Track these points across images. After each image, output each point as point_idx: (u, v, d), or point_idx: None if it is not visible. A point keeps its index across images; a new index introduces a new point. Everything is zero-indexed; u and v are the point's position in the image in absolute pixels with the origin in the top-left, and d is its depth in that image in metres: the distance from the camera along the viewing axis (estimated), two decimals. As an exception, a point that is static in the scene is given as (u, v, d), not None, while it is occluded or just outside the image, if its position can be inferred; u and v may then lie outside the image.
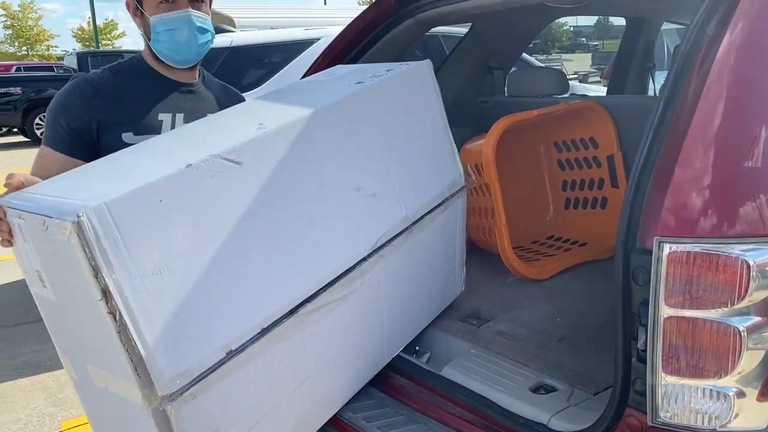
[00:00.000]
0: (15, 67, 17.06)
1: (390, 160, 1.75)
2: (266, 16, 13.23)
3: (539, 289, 2.44)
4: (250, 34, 5.88)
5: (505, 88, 3.37)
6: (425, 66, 1.94)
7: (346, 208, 1.60)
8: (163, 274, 1.21)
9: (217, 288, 1.30)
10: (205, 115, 1.79)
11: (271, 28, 7.88)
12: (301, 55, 5.19)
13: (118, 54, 14.87)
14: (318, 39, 5.29)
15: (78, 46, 41.96)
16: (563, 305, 2.27)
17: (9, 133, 13.93)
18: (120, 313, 1.15)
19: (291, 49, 5.28)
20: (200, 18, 1.76)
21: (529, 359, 1.87)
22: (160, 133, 1.70)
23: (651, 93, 4.07)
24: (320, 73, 2.11)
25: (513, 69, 3.59)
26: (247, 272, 1.36)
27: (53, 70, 15.48)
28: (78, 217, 1.10)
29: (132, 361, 1.18)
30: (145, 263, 1.19)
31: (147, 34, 1.78)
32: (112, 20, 47.51)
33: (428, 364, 1.94)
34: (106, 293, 1.14)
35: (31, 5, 46.90)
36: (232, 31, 6.13)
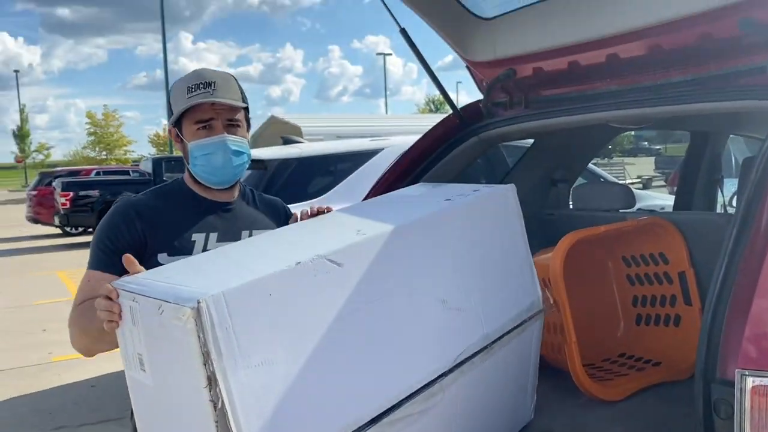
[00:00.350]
0: (95, 170, 18.20)
1: (473, 277, 1.78)
2: (331, 125, 13.96)
3: (613, 410, 2.33)
4: (317, 145, 6.17)
5: (570, 201, 3.38)
6: (510, 190, 2.00)
7: (431, 319, 1.62)
8: (265, 367, 1.25)
9: (309, 387, 1.32)
10: (239, 233, 1.86)
11: (337, 137, 8.24)
12: (366, 164, 5.38)
13: (191, 159, 15.74)
14: (382, 149, 5.50)
15: (153, 151, 44.66)
16: (638, 430, 2.16)
17: (84, 233, 14.71)
18: (222, 402, 1.18)
19: (356, 159, 5.49)
20: (236, 142, 1.82)
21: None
22: (191, 253, 1.74)
23: (720, 203, 4.01)
24: (404, 189, 2.21)
25: (578, 181, 3.62)
26: (337, 375, 1.38)
27: (129, 174, 16.46)
28: (198, 303, 1.16)
29: None
30: (251, 354, 1.22)
31: (186, 159, 1.86)
32: (186, 127, 50.53)
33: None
34: (211, 380, 1.17)
35: (114, 113, 50.63)
36: (301, 142, 6.44)
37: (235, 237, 1.83)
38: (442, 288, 1.67)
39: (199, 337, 1.16)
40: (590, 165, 6.85)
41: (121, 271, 1.59)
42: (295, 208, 5.23)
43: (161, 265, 1.61)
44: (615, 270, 2.91)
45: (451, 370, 1.64)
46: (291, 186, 5.24)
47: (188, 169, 1.88)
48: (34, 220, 15.25)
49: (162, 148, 44.04)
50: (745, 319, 1.23)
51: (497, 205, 1.96)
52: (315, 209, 1.89)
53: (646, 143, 39.02)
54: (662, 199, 6.81)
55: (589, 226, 2.49)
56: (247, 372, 1.21)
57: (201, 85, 1.76)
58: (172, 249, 1.75)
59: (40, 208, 13.49)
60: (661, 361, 2.64)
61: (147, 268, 1.52)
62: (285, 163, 5.39)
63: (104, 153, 51.04)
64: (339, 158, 5.64)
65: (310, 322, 1.34)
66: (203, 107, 1.77)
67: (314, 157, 5.55)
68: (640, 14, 2.04)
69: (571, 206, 3.38)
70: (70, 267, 10.50)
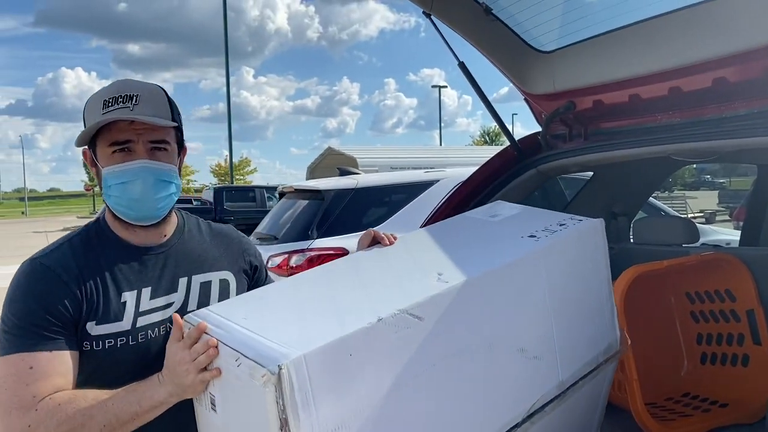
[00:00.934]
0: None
1: (555, 322, 1.67)
2: (386, 157, 14.10)
3: (676, 453, 2.25)
4: (374, 176, 6.25)
5: (631, 235, 3.32)
6: (598, 224, 1.86)
7: (508, 369, 1.54)
8: (342, 431, 1.19)
9: None
10: (176, 281, 1.50)
11: (391, 168, 8.32)
12: (422, 195, 5.41)
13: (250, 189, 16.12)
14: (437, 181, 5.52)
15: (215, 181, 45.92)
16: (705, 474, 2.08)
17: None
18: None
19: (412, 190, 5.52)
20: (160, 169, 1.44)
21: None
22: (122, 319, 1.40)
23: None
24: (481, 209, 2.08)
25: (639, 215, 3.55)
26: (420, 427, 1.33)
27: (191, 203, 16.96)
28: (279, 369, 1.10)
29: None
30: (328, 419, 1.17)
31: (100, 188, 1.47)
32: (246, 158, 52.02)
33: None
34: None
35: (178, 145, 52.44)
36: (357, 173, 6.53)
37: (172, 288, 1.49)
38: (521, 337, 1.57)
39: (277, 402, 1.11)
40: (650, 198, 6.69)
41: (77, 346, 1.35)
42: (351, 238, 5.26)
43: (94, 337, 1.36)
44: (678, 306, 2.83)
45: (523, 421, 1.56)
46: (347, 216, 5.31)
47: (105, 203, 1.49)
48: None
49: (223, 178, 45.25)
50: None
51: (585, 242, 1.82)
52: (390, 237, 1.70)
53: (708, 176, 37.79)
54: (727, 234, 6.57)
55: (651, 260, 2.44)
56: None
57: (120, 99, 1.40)
58: (99, 317, 1.38)
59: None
60: (728, 403, 2.53)
61: (78, 342, 1.34)
62: (341, 193, 5.47)
63: (167, 182, 52.81)
64: (395, 189, 5.69)
65: (386, 380, 1.27)
66: (119, 125, 1.40)
67: (370, 188, 5.61)
68: (704, 47, 2.02)
69: (631, 240, 3.32)
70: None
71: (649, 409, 2.36)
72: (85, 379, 1.36)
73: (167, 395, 1.28)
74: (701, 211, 20.32)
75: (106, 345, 1.37)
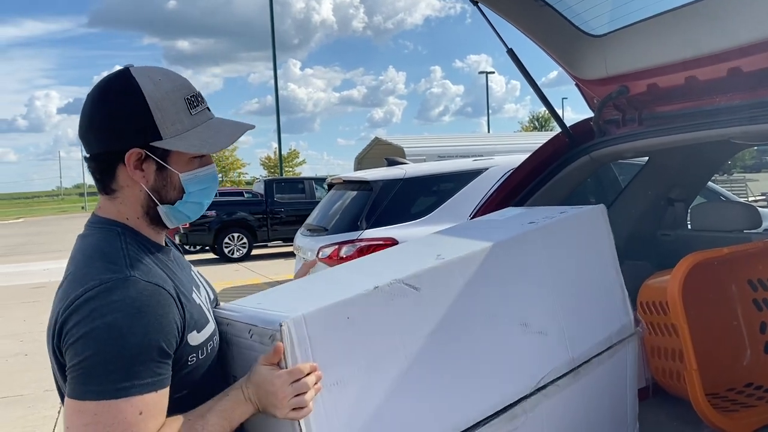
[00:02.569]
0: (212, 192, 19.24)
1: (559, 300, 1.76)
2: (433, 145, 14.03)
3: (739, 445, 2.19)
4: (422, 166, 6.22)
5: (688, 221, 3.22)
6: (599, 211, 1.96)
7: (511, 341, 1.62)
8: (340, 386, 1.30)
9: (383, 408, 1.36)
10: (195, 274, 1.42)
11: (439, 157, 8.27)
12: (471, 183, 5.36)
13: (299, 180, 16.29)
14: (486, 169, 5.46)
15: (264, 173, 46.63)
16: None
17: (202, 251, 15.54)
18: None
19: (461, 179, 5.48)
20: None
21: None
22: (209, 320, 1.30)
23: None
24: (492, 213, 2.21)
25: (696, 200, 3.45)
26: (411, 397, 1.41)
27: (242, 195, 17.24)
28: (280, 326, 1.22)
29: None
30: (328, 374, 1.27)
31: (164, 195, 1.28)
32: (294, 150, 52.49)
33: None
34: None
35: (229, 138, 53.29)
36: (405, 163, 6.52)
37: (198, 280, 1.41)
38: (523, 312, 1.66)
39: (282, 357, 1.22)
40: (709, 183, 6.47)
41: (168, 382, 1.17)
42: (400, 229, 5.26)
43: (195, 347, 1.24)
44: (740, 294, 2.74)
45: (533, 393, 1.63)
46: (396, 206, 5.31)
47: (146, 209, 1.28)
48: (173, 245, 16.16)
49: (273, 171, 45.90)
50: None
51: (585, 227, 1.92)
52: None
53: (771, 158, 36.29)
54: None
55: (710, 247, 2.37)
56: (323, 391, 1.26)
57: (198, 99, 1.29)
58: (197, 322, 1.26)
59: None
60: (795, 394, 2.45)
61: (182, 357, 1.20)
62: (390, 183, 5.48)
63: (220, 175, 53.85)
64: (443, 178, 5.66)
65: (385, 345, 1.38)
66: None
67: (419, 177, 5.60)
68: (765, 25, 1.94)
69: (689, 227, 3.22)
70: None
71: (710, 400, 2.30)
72: (188, 393, 1.23)
73: (253, 411, 1.23)
74: (763, 195, 19.55)
75: (207, 350, 1.27)
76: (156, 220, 1.30)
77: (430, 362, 1.45)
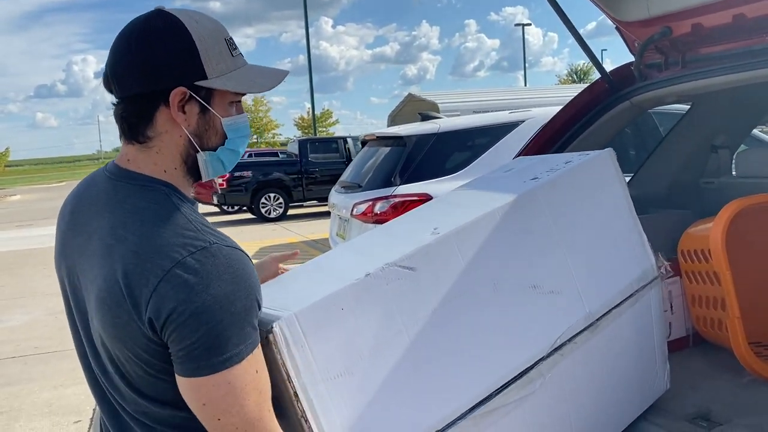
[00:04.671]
0: (248, 153, 19.42)
1: (570, 255, 1.71)
2: (468, 100, 13.79)
3: (782, 392, 2.16)
4: (456, 120, 6.14)
5: (733, 168, 3.13)
6: (607, 155, 1.90)
7: (522, 306, 1.60)
8: (344, 377, 1.30)
9: (392, 391, 1.36)
10: None
11: (473, 112, 8.17)
12: (506, 137, 5.28)
13: (333, 140, 16.28)
14: (522, 122, 5.37)
15: (298, 133, 46.73)
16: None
17: (239, 211, 15.74)
18: (305, 414, 1.24)
19: (496, 132, 5.41)
20: None
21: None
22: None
23: None
24: (500, 167, 2.14)
25: (741, 147, 3.33)
26: (422, 376, 1.41)
27: (277, 156, 17.33)
28: (272, 328, 1.22)
29: None
30: (329, 367, 1.28)
31: (205, 139, 1.20)
32: (327, 110, 52.46)
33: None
34: (296, 395, 1.23)
35: (263, 99, 53.50)
36: (439, 117, 6.45)
37: None
38: (531, 273, 1.63)
39: (278, 358, 1.22)
40: (754, 131, 6.24)
41: None
42: (435, 184, 5.23)
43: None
44: (787, 241, 2.66)
45: (549, 354, 1.61)
46: (429, 162, 5.27)
47: (185, 157, 1.20)
48: (196, 200, 16.44)
49: (306, 131, 45.95)
50: None
51: (593, 174, 1.86)
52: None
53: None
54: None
55: (755, 194, 2.30)
56: (327, 385, 1.27)
57: (234, 42, 1.23)
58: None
59: (201, 189, 14.51)
60: (842, 342, 2.39)
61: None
62: (423, 138, 5.42)
63: (255, 136, 54.21)
64: (478, 132, 5.58)
65: (386, 330, 1.37)
66: None
67: (453, 132, 5.53)
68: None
69: (734, 174, 3.13)
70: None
71: (753, 348, 2.26)
72: None
73: None
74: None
75: None
76: (192, 171, 1.21)
77: (435, 341, 1.44)
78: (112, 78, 1.16)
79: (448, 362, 1.46)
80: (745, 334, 2.20)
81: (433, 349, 1.44)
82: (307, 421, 1.24)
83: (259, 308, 1.11)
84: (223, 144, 1.22)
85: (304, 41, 25.09)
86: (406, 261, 1.43)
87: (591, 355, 1.72)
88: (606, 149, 1.92)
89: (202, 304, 1.03)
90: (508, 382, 1.54)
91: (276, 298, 1.34)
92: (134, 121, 1.16)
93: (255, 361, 1.08)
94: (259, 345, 1.10)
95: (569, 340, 1.66)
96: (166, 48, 1.13)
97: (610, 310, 1.76)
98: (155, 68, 1.13)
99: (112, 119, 1.21)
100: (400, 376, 1.38)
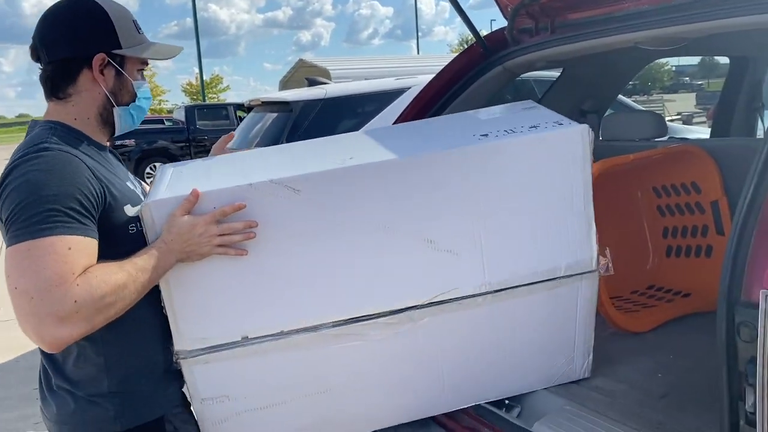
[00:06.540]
0: (131, 121, 18.42)
1: (485, 224, 1.67)
2: (360, 67, 13.71)
3: (639, 342, 2.31)
4: (343, 86, 6.08)
5: (600, 132, 3.28)
6: (578, 134, 1.68)
7: (408, 255, 1.64)
8: (205, 261, 1.48)
9: (249, 286, 1.55)
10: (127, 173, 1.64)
11: (365, 79, 8.13)
12: (393, 103, 5.29)
13: (223, 106, 15.74)
14: (409, 88, 5.39)
15: (186, 100, 44.82)
16: (665, 360, 2.14)
17: (123, 181, 14.98)
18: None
19: (383, 99, 5.41)
20: None
21: (628, 417, 1.76)
22: (138, 202, 1.51)
23: (760, 135, 3.84)
24: (468, 112, 2.11)
25: (608, 112, 3.50)
26: (282, 282, 1.57)
27: (163, 123, 16.56)
28: (142, 207, 1.46)
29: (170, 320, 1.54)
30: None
31: (119, 98, 1.53)
32: (217, 75, 50.43)
33: (518, 419, 1.86)
34: None
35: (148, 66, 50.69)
36: (326, 83, 6.35)
37: (136, 181, 1.66)
38: (428, 228, 1.64)
39: (146, 233, 1.47)
40: (624, 99, 6.61)
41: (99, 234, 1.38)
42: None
43: (132, 219, 1.48)
44: (645, 201, 2.83)
45: (426, 305, 1.67)
46: (316, 128, 5.19)
47: (101, 110, 1.52)
48: (108, 148, 15.43)
49: (194, 97, 44.09)
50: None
51: (556, 151, 1.68)
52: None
53: (687, 79, 37.57)
54: (701, 133, 6.58)
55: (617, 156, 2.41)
56: (188, 268, 1.48)
57: (139, 25, 1.57)
58: (129, 199, 1.50)
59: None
60: (691, 293, 2.59)
61: (115, 222, 1.42)
62: (310, 104, 5.34)
63: (138, 103, 51.43)
64: (365, 99, 5.56)
65: (258, 234, 1.51)
66: None
67: (339, 97, 5.48)
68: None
69: (599, 138, 3.28)
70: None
71: (614, 302, 2.40)
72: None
73: (175, 262, 1.44)
74: (678, 114, 20.34)
75: (139, 227, 1.48)
76: (107, 122, 1.54)
77: (304, 258, 1.57)
78: (41, 46, 1.47)
79: (309, 280, 1.59)
80: (606, 289, 2.32)
81: (299, 264, 1.57)
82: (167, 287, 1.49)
83: (84, 207, 1.33)
84: (134, 101, 1.56)
85: (191, 3, 23.94)
86: (292, 182, 1.52)
87: (480, 321, 1.74)
88: (581, 126, 1.69)
89: (16, 186, 1.30)
90: (374, 314, 1.65)
91: (175, 188, 1.53)
92: (59, 81, 1.47)
93: (72, 242, 1.29)
94: (89, 242, 1.32)
95: (455, 299, 1.69)
96: (90, 23, 1.46)
97: (516, 287, 1.73)
98: (81, 38, 1.45)
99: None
100: (259, 276, 1.55)
